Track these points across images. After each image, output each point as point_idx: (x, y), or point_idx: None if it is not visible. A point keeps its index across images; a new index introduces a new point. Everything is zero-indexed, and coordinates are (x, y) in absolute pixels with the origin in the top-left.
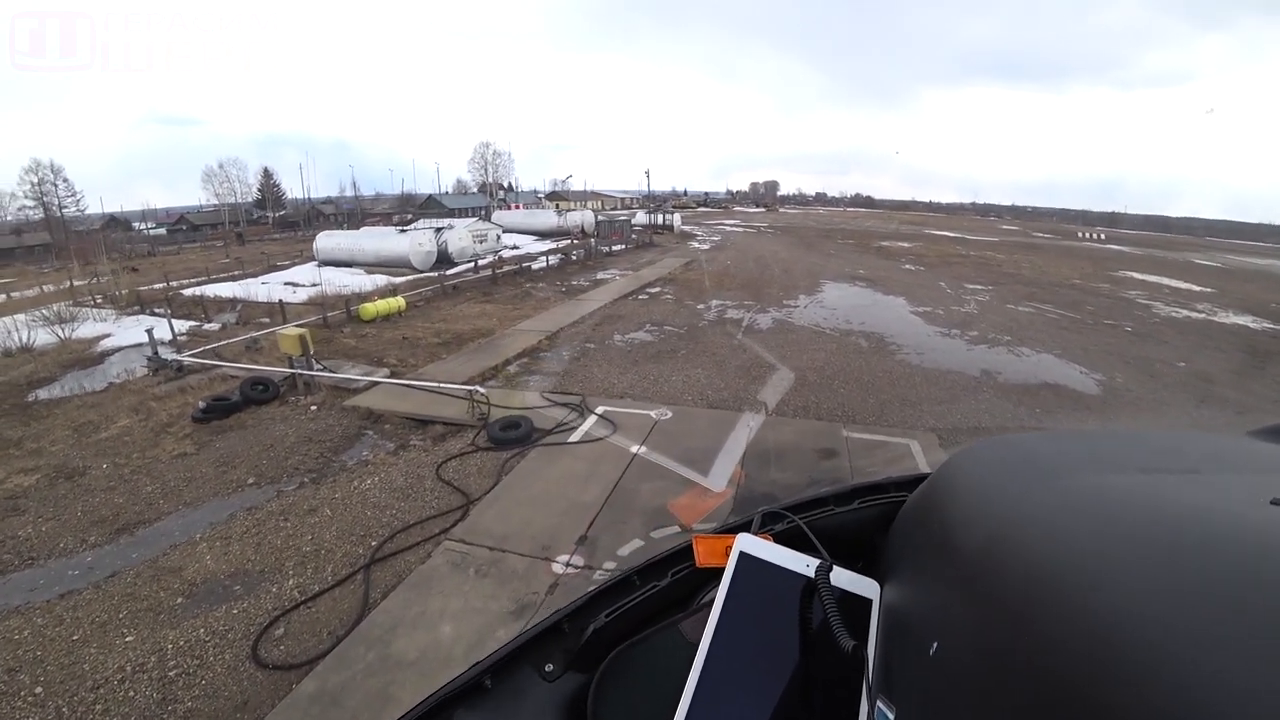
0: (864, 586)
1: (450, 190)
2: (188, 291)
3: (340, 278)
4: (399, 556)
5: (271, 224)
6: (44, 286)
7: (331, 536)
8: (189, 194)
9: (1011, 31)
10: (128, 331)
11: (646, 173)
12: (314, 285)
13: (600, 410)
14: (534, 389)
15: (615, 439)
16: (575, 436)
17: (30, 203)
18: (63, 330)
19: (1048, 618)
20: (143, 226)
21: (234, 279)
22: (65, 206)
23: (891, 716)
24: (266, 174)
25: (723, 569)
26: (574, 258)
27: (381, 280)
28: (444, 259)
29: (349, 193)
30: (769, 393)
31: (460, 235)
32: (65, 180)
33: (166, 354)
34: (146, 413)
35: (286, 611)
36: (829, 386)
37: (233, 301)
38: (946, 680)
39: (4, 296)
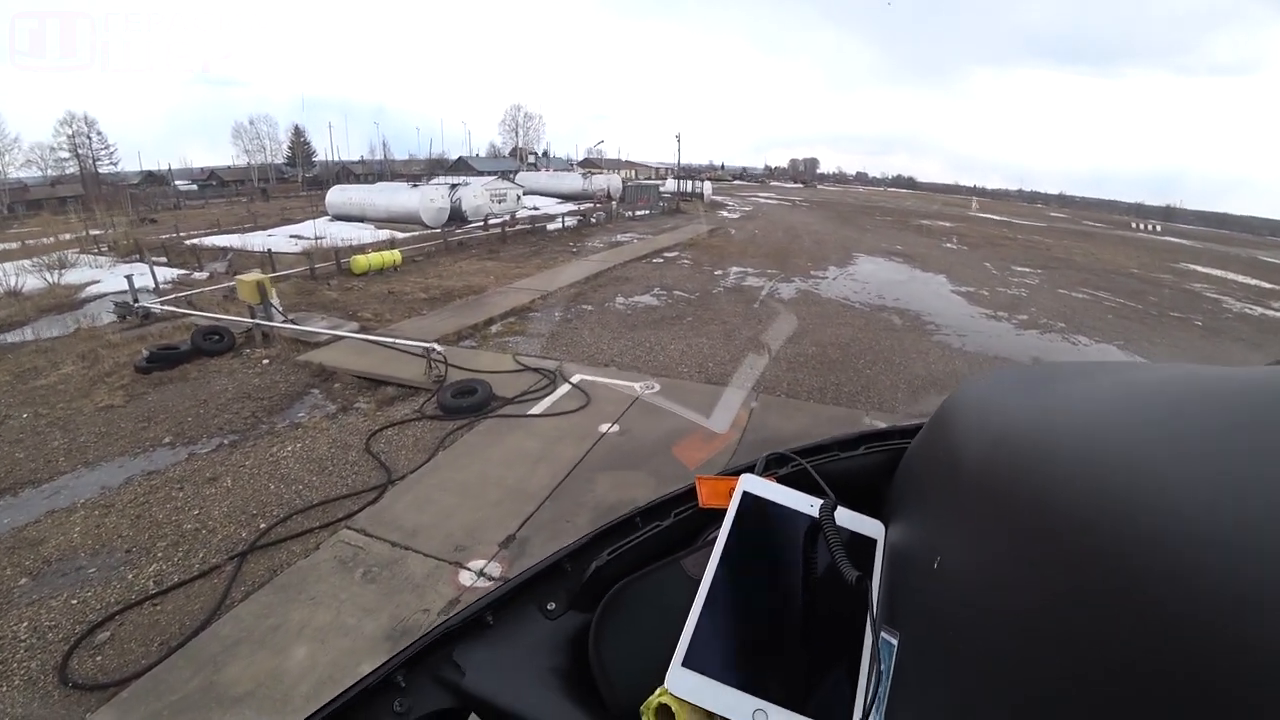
0: (869, 526)
1: (482, 154)
2: (194, 242)
3: (350, 233)
4: (284, 545)
5: (301, 182)
6: (61, 235)
7: (220, 513)
8: (227, 153)
9: (1067, 11)
10: (118, 279)
11: (677, 137)
12: (319, 238)
13: (576, 379)
14: (510, 350)
15: (584, 414)
16: (538, 408)
17: (66, 154)
18: (52, 276)
19: (1052, 510)
20: (181, 183)
21: (243, 231)
22: (99, 159)
23: (895, 644)
24: (297, 132)
25: (724, 510)
26: (593, 220)
27: (389, 236)
28: (458, 217)
29: (381, 155)
30: (781, 369)
31: (476, 193)
32: (99, 133)
33: (148, 301)
34: (93, 360)
35: (125, 609)
36: (853, 365)
37: (224, 250)
38: (949, 594)
39: (19, 244)
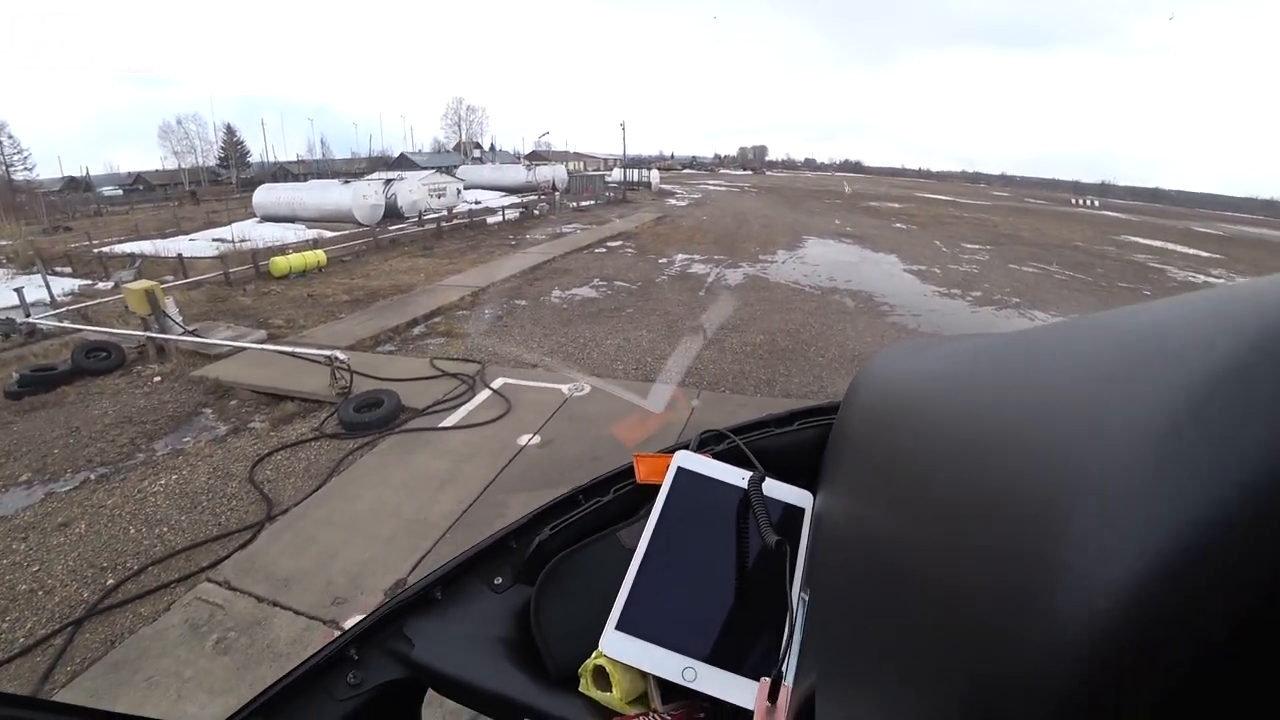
0: (797, 496)
1: (427, 150)
2: (105, 250)
3: (277, 234)
4: (131, 607)
5: (235, 184)
6: None
7: (64, 569)
8: (156, 156)
9: None
10: (8, 293)
11: (622, 125)
12: (243, 241)
13: (498, 383)
14: (429, 354)
15: (504, 424)
16: (452, 419)
17: None
18: None
19: (903, 465)
20: (107, 189)
21: (163, 237)
22: (12, 165)
23: (807, 599)
24: (229, 131)
25: (660, 486)
26: (536, 212)
27: (315, 235)
28: (393, 213)
29: (319, 154)
30: (726, 361)
31: (412, 188)
32: (10, 137)
33: (38, 316)
34: None
35: None
36: (804, 354)
37: (133, 258)
38: (839, 553)
39: None
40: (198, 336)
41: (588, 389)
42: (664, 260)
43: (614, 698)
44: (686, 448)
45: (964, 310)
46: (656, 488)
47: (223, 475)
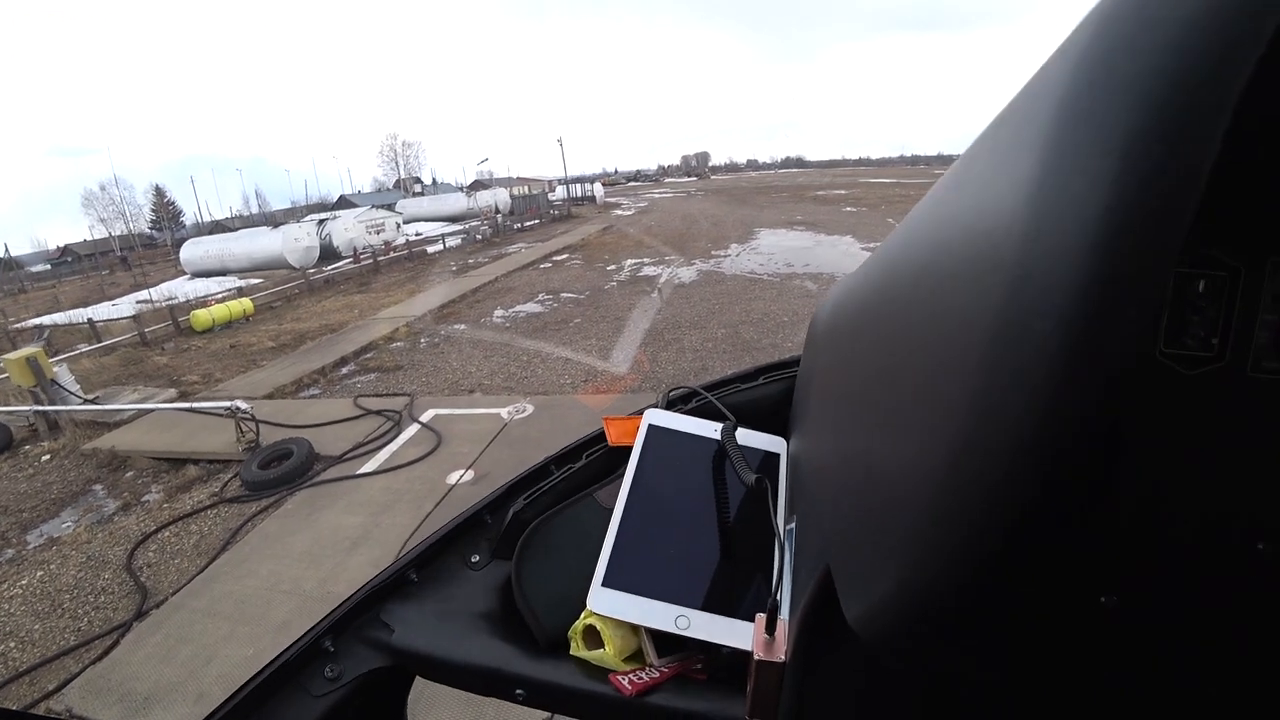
0: (770, 443)
1: (367, 190)
2: (19, 325)
3: (208, 288)
4: None
5: (170, 245)
6: None
7: None
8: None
9: None
10: None
11: (559, 141)
12: (170, 299)
13: (428, 416)
14: (356, 392)
15: (432, 461)
16: (373, 463)
17: None
18: None
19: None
20: (36, 267)
21: (85, 306)
22: None
23: (793, 527)
24: (159, 193)
25: (631, 448)
26: (478, 238)
27: (239, 285)
28: (330, 254)
29: (255, 206)
30: (686, 361)
31: (347, 226)
32: None
33: None
34: None
35: None
36: (771, 342)
37: (39, 330)
38: (818, 464)
39: None
40: (97, 404)
41: (530, 409)
42: (613, 267)
43: (608, 654)
44: (654, 406)
45: None
46: (629, 450)
47: (97, 565)
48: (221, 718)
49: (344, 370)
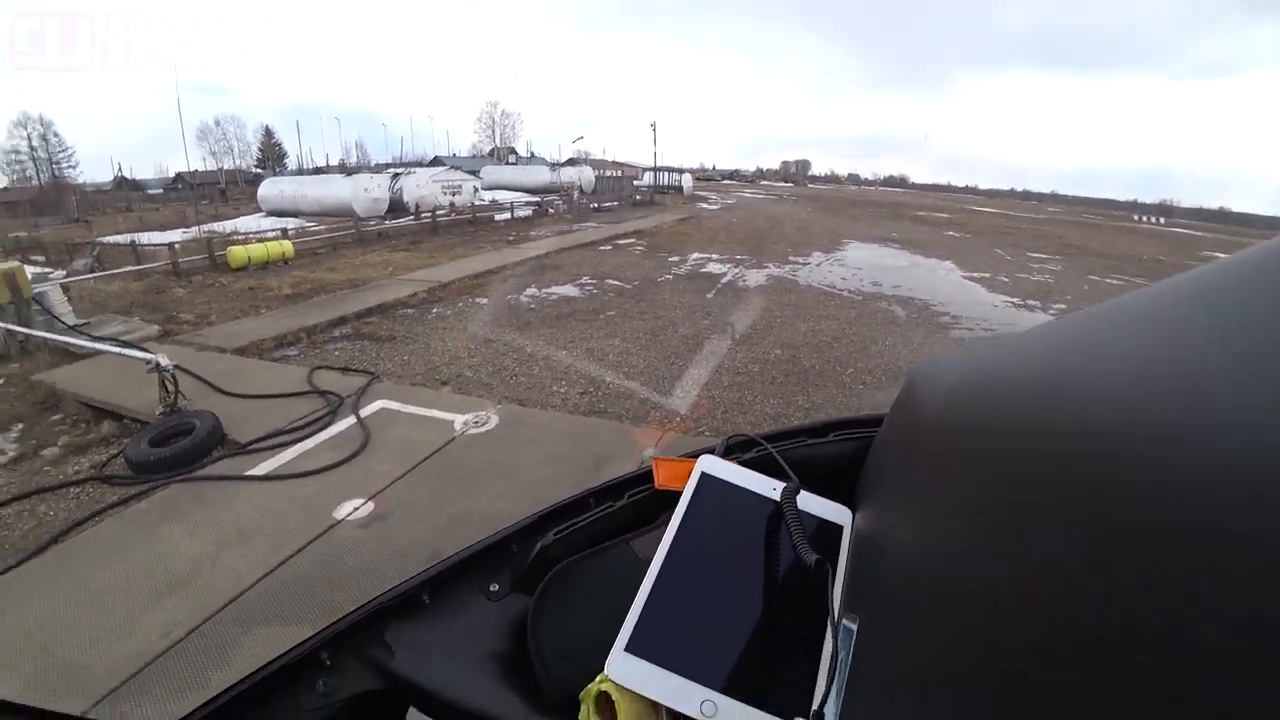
0: (834, 512)
1: (464, 155)
2: (108, 239)
3: (270, 227)
4: None
5: None
6: None
7: None
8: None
9: (1051, 15)
10: None
11: (652, 125)
12: (233, 233)
13: (373, 408)
14: (321, 362)
15: (341, 473)
16: (276, 461)
17: (22, 157)
18: None
19: (1003, 459)
20: (154, 190)
21: (163, 230)
22: (57, 163)
23: (855, 629)
24: (268, 133)
25: (680, 493)
26: (550, 211)
27: (298, 227)
28: (399, 208)
29: (355, 157)
30: (720, 387)
31: (420, 183)
32: (56, 135)
33: None
34: None
35: None
36: (835, 377)
37: (90, 246)
38: (908, 573)
39: None
40: (50, 332)
41: (492, 422)
42: (675, 259)
43: None
44: (711, 451)
45: None
46: (676, 495)
47: None
48: (204, 718)
49: (335, 332)
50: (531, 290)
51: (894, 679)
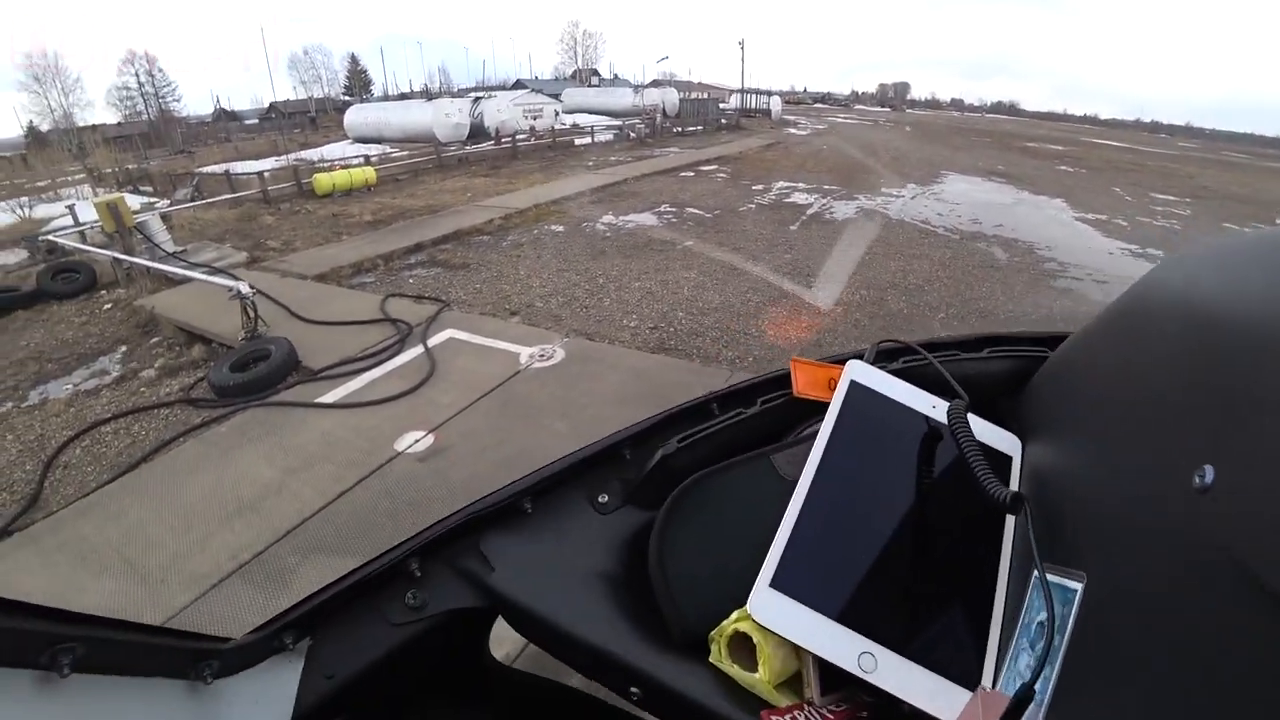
0: (1003, 440)
1: (546, 77)
2: (206, 169)
3: (358, 153)
4: None
5: None
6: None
7: None
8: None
9: None
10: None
11: (740, 44)
12: (320, 160)
13: (441, 337)
14: (396, 289)
15: (405, 403)
16: (345, 389)
17: (132, 93)
18: (21, 210)
19: None
20: (250, 120)
21: (257, 159)
22: (162, 97)
23: (1078, 589)
24: (354, 61)
25: (822, 403)
26: (632, 135)
27: (380, 153)
28: (480, 133)
29: (439, 84)
30: (799, 327)
31: (501, 107)
32: (161, 70)
33: (65, 236)
34: None
35: None
36: (925, 325)
37: (191, 176)
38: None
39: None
40: (144, 259)
41: (559, 356)
42: (759, 188)
43: (759, 679)
44: (859, 357)
45: None
46: (815, 404)
47: (34, 449)
48: (282, 626)
49: (412, 259)
50: (609, 218)
51: (1141, 658)
